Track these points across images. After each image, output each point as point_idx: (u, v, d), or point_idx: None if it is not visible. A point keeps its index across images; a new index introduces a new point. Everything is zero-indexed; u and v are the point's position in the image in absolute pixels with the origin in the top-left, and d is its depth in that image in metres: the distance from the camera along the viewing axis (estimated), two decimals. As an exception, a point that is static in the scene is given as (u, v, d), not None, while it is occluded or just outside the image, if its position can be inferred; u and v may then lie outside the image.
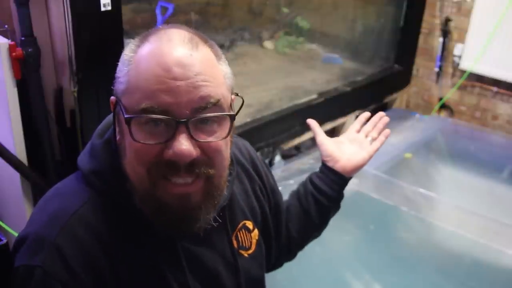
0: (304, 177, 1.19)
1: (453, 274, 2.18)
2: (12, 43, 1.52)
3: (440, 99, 3.63)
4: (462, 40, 3.39)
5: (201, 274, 0.85)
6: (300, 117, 2.63)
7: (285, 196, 1.17)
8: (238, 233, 0.93)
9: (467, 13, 3.33)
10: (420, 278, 2.15)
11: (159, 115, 0.70)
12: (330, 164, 1.11)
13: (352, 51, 3.58)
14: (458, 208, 2.63)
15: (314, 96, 2.92)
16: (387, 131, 1.17)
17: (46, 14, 1.57)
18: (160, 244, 0.81)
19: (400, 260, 2.26)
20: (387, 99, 3.69)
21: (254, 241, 0.96)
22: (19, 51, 1.52)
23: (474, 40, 3.29)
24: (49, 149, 1.68)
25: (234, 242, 0.91)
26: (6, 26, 1.57)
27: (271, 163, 2.66)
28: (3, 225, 1.65)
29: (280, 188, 1.12)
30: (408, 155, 3.11)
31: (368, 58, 3.63)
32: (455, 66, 3.48)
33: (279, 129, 2.63)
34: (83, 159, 0.82)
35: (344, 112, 3.21)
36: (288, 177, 2.52)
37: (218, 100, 0.73)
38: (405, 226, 2.52)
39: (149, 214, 0.76)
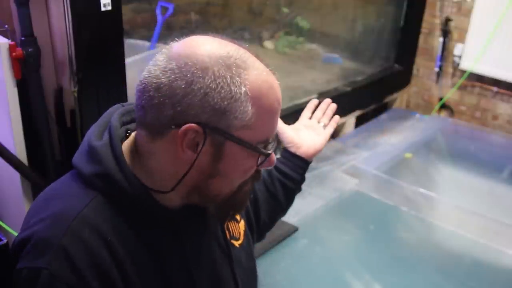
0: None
1: (453, 274, 2.18)
2: (12, 43, 1.52)
3: (440, 99, 3.63)
4: (462, 40, 3.40)
5: (203, 265, 0.88)
6: (300, 117, 2.62)
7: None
8: (229, 224, 0.97)
9: (467, 13, 3.33)
10: (420, 278, 2.15)
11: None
12: (292, 150, 1.18)
13: (352, 51, 3.59)
14: (458, 208, 2.63)
15: (314, 96, 2.92)
16: (336, 117, 1.27)
17: (46, 14, 1.57)
18: (166, 240, 0.82)
19: (400, 260, 2.26)
20: (387, 99, 3.69)
21: (241, 231, 1.00)
22: (19, 51, 1.52)
23: (474, 40, 3.29)
24: (49, 149, 1.68)
25: (226, 232, 0.95)
26: (6, 26, 1.57)
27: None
28: (3, 225, 1.65)
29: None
30: (408, 155, 3.11)
31: (368, 58, 3.64)
32: (455, 66, 3.48)
33: (279, 129, 2.62)
34: (81, 161, 0.81)
35: (344, 112, 3.21)
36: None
37: None
38: (405, 226, 2.52)
39: (217, 211, 0.85)
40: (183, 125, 0.73)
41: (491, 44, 3.19)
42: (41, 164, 1.68)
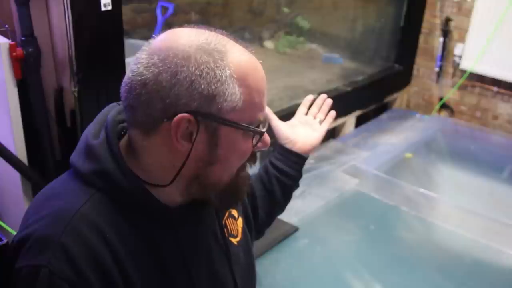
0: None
1: (453, 274, 2.18)
2: (13, 43, 1.51)
3: (441, 99, 3.63)
4: (462, 40, 3.40)
5: (201, 263, 0.88)
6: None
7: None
8: (226, 221, 0.97)
9: (468, 13, 3.33)
10: (420, 278, 2.15)
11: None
12: (288, 146, 1.18)
13: (352, 51, 3.59)
14: (458, 208, 2.63)
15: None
16: (332, 112, 1.26)
17: (46, 14, 1.57)
18: (164, 237, 0.82)
19: (400, 260, 2.26)
20: (388, 99, 3.69)
21: (240, 229, 1.00)
22: (19, 51, 1.52)
23: (474, 40, 3.29)
24: (49, 149, 1.68)
25: (224, 230, 0.95)
26: (6, 26, 1.56)
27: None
28: (3, 225, 1.65)
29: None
30: (408, 155, 3.11)
31: (369, 58, 3.64)
32: (456, 66, 3.48)
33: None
34: (78, 160, 0.82)
35: (344, 112, 3.21)
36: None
37: None
38: (405, 226, 2.52)
39: (219, 200, 0.84)
40: (175, 117, 0.74)
41: (491, 44, 3.19)
42: (41, 164, 1.68)
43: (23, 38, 1.53)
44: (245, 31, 3.15)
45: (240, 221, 1.01)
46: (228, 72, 0.75)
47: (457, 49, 3.44)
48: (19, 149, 1.61)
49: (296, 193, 1.24)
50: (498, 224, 2.48)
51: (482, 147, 3.32)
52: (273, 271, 2.06)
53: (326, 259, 2.22)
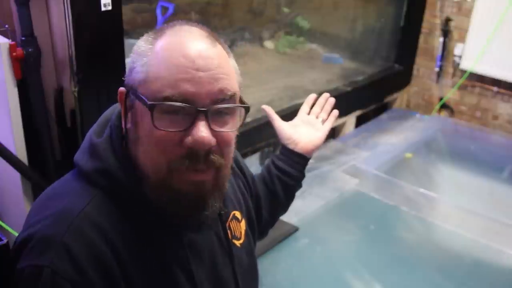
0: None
1: (453, 274, 2.18)
2: (13, 43, 1.51)
3: (441, 99, 3.63)
4: (462, 40, 3.39)
5: (204, 264, 0.88)
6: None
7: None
8: (230, 223, 0.96)
9: (468, 13, 3.33)
10: (420, 278, 2.15)
11: (181, 103, 0.72)
12: (291, 146, 1.17)
13: (352, 51, 3.58)
14: (458, 208, 2.63)
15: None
16: (335, 111, 1.25)
17: (46, 14, 1.57)
18: (167, 238, 0.82)
19: (400, 260, 2.26)
20: (388, 99, 3.69)
21: (243, 231, 1.00)
22: (19, 51, 1.52)
23: (474, 40, 3.29)
24: (49, 149, 1.68)
25: (228, 232, 0.94)
26: (6, 26, 1.56)
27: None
28: (3, 225, 1.65)
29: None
30: (408, 155, 3.11)
31: (369, 58, 3.63)
32: (456, 66, 3.48)
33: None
34: (82, 158, 0.82)
35: (344, 112, 3.21)
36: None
37: (234, 94, 0.77)
38: (405, 226, 2.52)
39: (162, 203, 0.78)
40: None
41: (491, 44, 3.19)
42: (41, 164, 1.68)
43: (23, 38, 1.53)
44: (245, 31, 3.14)
45: (243, 223, 1.01)
46: (149, 46, 0.77)
47: (457, 49, 3.43)
48: (19, 149, 1.61)
49: (296, 193, 1.23)
50: (498, 224, 2.48)
51: (482, 147, 3.32)
52: (273, 271, 2.06)
53: (326, 259, 2.22)
